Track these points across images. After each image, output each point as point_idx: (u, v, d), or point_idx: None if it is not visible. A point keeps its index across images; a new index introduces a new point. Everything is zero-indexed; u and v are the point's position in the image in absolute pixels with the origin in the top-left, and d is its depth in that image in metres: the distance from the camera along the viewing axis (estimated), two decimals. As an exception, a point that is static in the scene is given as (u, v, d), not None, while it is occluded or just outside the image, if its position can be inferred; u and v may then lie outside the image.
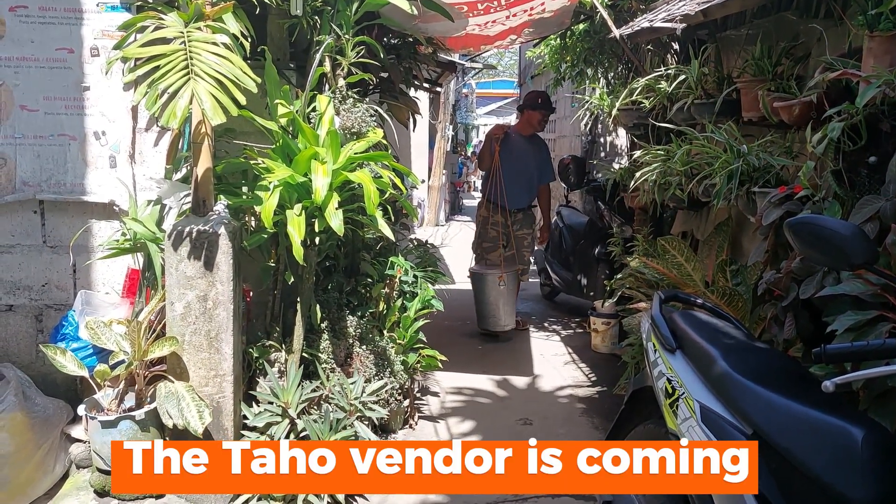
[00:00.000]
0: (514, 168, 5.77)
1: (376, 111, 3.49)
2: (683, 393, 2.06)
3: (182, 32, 2.65)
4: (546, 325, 6.47)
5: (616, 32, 4.30)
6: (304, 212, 2.93)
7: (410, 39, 4.50)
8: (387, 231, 3.03)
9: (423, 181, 12.99)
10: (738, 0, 2.85)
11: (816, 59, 2.62)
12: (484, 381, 4.77)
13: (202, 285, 2.88)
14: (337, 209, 2.86)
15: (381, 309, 3.90)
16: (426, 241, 5.35)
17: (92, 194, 3.38)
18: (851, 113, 2.23)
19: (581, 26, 5.39)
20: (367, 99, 3.41)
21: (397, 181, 3.12)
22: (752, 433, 1.83)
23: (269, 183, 2.88)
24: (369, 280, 3.89)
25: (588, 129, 8.19)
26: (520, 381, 4.82)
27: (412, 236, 5.42)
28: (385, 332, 3.85)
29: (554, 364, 5.24)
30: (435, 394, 4.56)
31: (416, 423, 4.02)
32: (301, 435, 3.03)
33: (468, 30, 4.57)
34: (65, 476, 3.16)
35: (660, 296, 2.43)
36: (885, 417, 1.84)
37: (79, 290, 3.33)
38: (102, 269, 3.46)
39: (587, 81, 5.96)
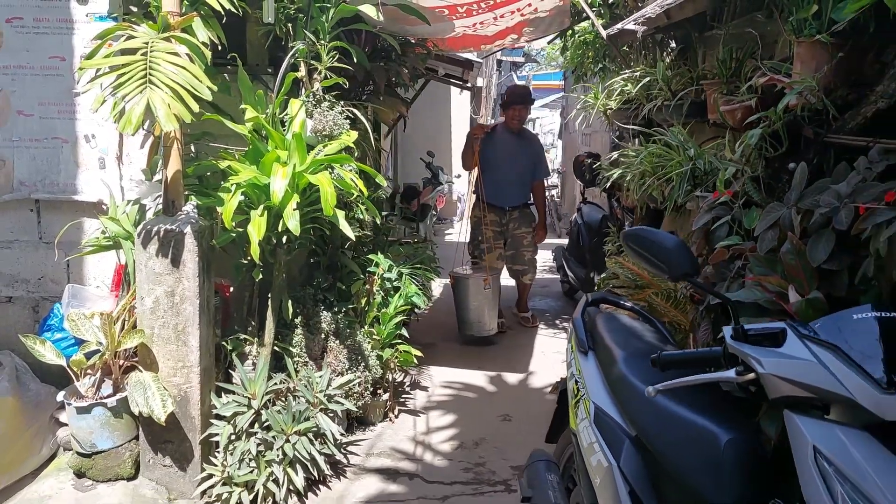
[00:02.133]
0: (504, 165, 5.68)
1: (354, 114, 3.60)
2: (584, 394, 2.11)
3: (146, 43, 2.80)
4: (557, 322, 6.49)
5: (603, 33, 4.30)
6: (266, 212, 3.06)
7: (404, 41, 4.59)
8: (347, 231, 3.13)
9: (458, 176, 13.06)
10: (692, 3, 2.85)
11: (763, 63, 2.61)
12: (476, 377, 4.84)
13: (170, 281, 3.04)
14: (295, 209, 2.98)
15: (362, 305, 4.02)
16: (426, 237, 5.44)
17: (82, 194, 3.59)
18: (773, 119, 2.24)
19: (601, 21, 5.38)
20: (342, 103, 3.50)
21: (359, 183, 3.22)
22: (636, 435, 1.88)
23: (232, 185, 3.02)
24: (356, 277, 4.02)
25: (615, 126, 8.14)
26: (512, 378, 4.88)
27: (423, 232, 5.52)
28: (366, 327, 3.97)
29: (552, 361, 5.27)
30: (425, 388, 4.66)
31: (397, 417, 4.13)
32: (265, 425, 3.17)
33: (460, 31, 4.63)
34: (52, 458, 3.38)
35: (586, 298, 2.47)
36: (770, 425, 1.86)
37: (71, 284, 3.54)
38: (94, 264, 3.67)
39: (607, 77, 5.90)
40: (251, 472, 3.06)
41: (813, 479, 1.18)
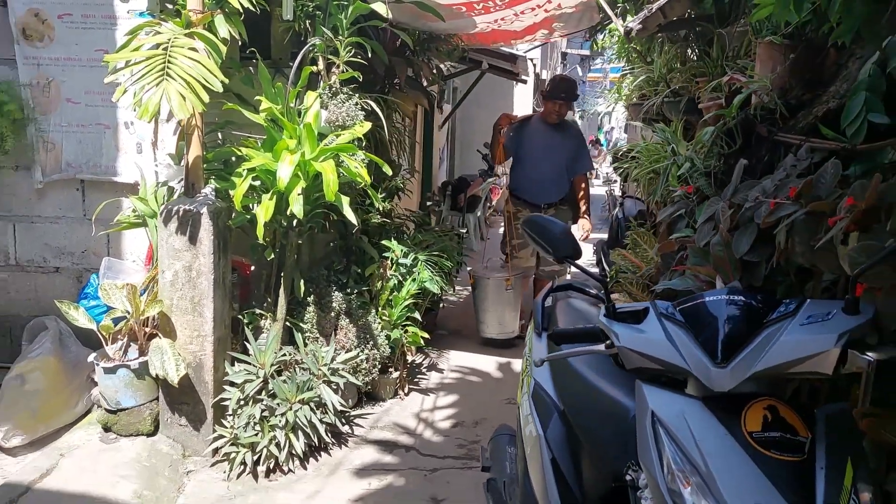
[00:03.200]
0: (540, 159, 5.32)
1: (370, 106, 3.82)
2: (529, 370, 2.27)
3: (168, 39, 3.08)
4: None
5: (621, 29, 4.37)
6: (275, 197, 3.32)
7: (431, 36, 4.77)
8: (350, 216, 3.35)
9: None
10: (679, 3, 2.93)
11: (736, 63, 2.68)
12: (490, 363, 5.01)
13: (187, 257, 3.33)
14: (300, 195, 3.22)
15: (377, 288, 4.25)
16: (453, 227, 5.64)
17: (121, 175, 3.93)
18: (727, 117, 2.33)
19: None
20: (359, 95, 3.72)
21: (363, 171, 3.42)
22: (563, 409, 2.03)
23: (244, 170, 3.29)
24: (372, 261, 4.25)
25: None
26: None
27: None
28: (379, 309, 4.20)
29: (572, 351, 5.38)
30: (440, 370, 4.86)
31: (407, 395, 4.35)
32: (271, 393, 3.43)
33: (482, 27, 4.78)
34: (87, 413, 3.74)
35: (552, 284, 2.62)
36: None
37: (108, 257, 3.90)
38: (130, 240, 4.02)
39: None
40: (255, 434, 3.32)
41: (646, 440, 1.33)
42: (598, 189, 18.94)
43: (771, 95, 2.23)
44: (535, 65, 13.11)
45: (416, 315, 4.31)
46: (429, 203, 7.42)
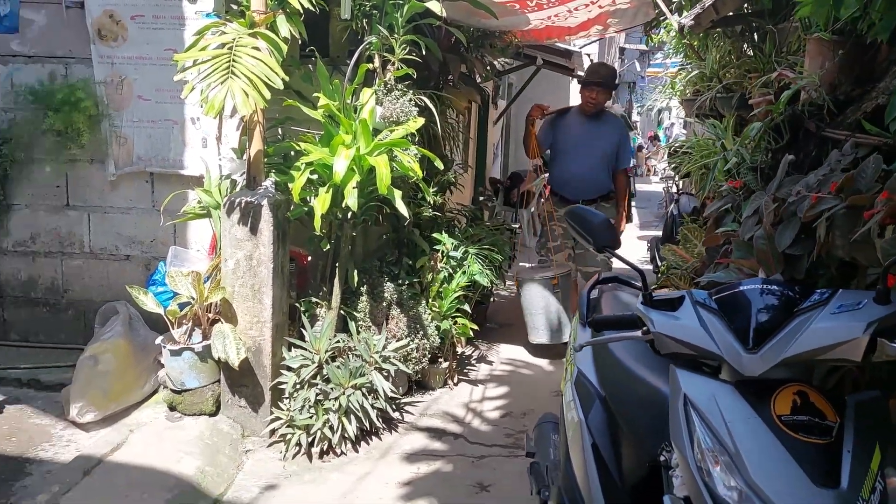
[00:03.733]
0: (577, 153, 5.05)
1: (423, 102, 3.92)
2: (572, 359, 2.33)
3: (233, 39, 3.24)
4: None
5: (675, 25, 4.37)
6: (331, 190, 3.45)
7: (485, 33, 4.86)
8: (402, 209, 3.47)
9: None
10: (732, 0, 2.94)
11: (787, 59, 2.68)
12: (539, 357, 5.07)
13: (248, 247, 3.50)
14: (354, 188, 3.35)
15: (428, 279, 4.35)
16: (504, 222, 5.70)
17: (187, 169, 4.14)
18: (775, 113, 2.34)
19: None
20: (412, 91, 3.83)
21: (415, 166, 3.53)
22: (605, 396, 2.10)
23: (302, 164, 3.43)
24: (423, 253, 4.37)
25: None
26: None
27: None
28: (430, 300, 4.31)
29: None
30: (490, 362, 4.95)
31: (457, 384, 4.45)
32: (325, 378, 3.57)
33: (536, 23, 4.83)
34: (153, 393, 3.95)
35: (598, 277, 2.67)
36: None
37: (175, 246, 4.11)
38: (196, 230, 4.22)
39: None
40: (310, 417, 3.47)
41: (678, 421, 1.39)
42: (655, 186, 18.68)
43: (819, 91, 2.24)
44: (591, 60, 13.05)
45: (466, 307, 4.41)
46: (481, 198, 7.50)
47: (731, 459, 1.28)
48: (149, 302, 3.63)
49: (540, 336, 4.98)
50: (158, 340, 3.69)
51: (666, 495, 1.45)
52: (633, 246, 10.49)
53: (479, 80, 5.11)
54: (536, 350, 5.10)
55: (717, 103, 3.60)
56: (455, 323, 4.30)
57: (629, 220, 5.61)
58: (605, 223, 1.78)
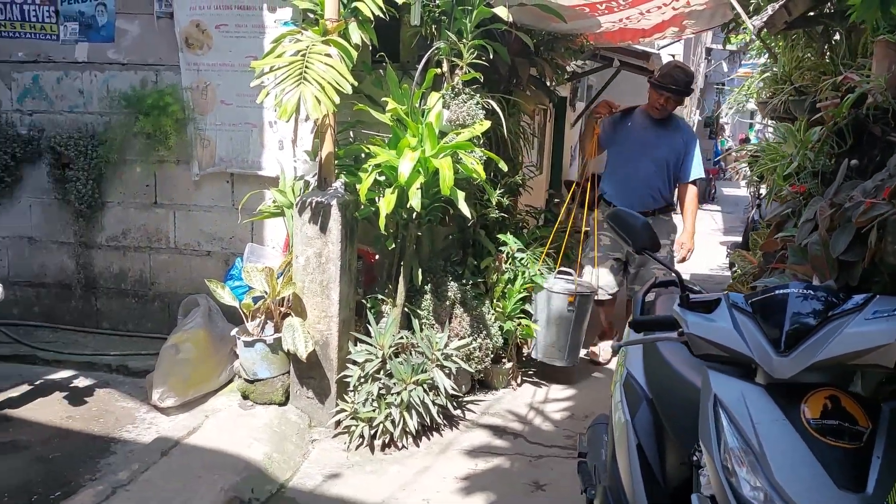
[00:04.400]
0: (635, 158, 4.70)
1: (490, 105, 3.99)
2: (622, 361, 2.35)
3: (307, 46, 3.40)
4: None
5: (751, 26, 4.27)
6: (396, 191, 3.56)
7: (555, 37, 4.88)
8: (465, 210, 3.54)
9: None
10: (802, 0, 2.88)
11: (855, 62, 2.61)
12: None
13: (318, 244, 3.65)
14: (418, 189, 3.45)
15: (492, 280, 4.42)
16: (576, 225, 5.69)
17: (265, 170, 4.35)
18: (837, 117, 2.30)
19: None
20: (480, 95, 3.91)
21: (479, 167, 3.59)
22: (652, 398, 2.11)
23: (369, 165, 3.56)
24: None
25: None
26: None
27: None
28: (495, 300, 4.37)
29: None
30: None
31: (520, 385, 4.49)
32: (388, 373, 3.69)
33: (608, 26, 4.81)
34: (229, 382, 4.17)
35: (653, 280, 2.67)
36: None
37: (251, 243, 4.32)
38: (271, 228, 4.43)
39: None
40: (373, 410, 3.59)
41: (707, 421, 1.41)
42: (743, 190, 18.12)
43: (885, 95, 2.18)
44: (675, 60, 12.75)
45: (530, 308, 4.44)
46: (556, 200, 7.50)
47: (756, 460, 1.30)
48: (225, 295, 3.83)
49: (536, 351, 4.54)
50: (233, 332, 3.90)
51: (694, 494, 1.47)
52: (716, 251, 10.25)
53: (550, 83, 5.12)
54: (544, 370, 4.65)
55: (790, 106, 3.51)
56: (519, 324, 4.34)
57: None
58: (645, 225, 1.81)
